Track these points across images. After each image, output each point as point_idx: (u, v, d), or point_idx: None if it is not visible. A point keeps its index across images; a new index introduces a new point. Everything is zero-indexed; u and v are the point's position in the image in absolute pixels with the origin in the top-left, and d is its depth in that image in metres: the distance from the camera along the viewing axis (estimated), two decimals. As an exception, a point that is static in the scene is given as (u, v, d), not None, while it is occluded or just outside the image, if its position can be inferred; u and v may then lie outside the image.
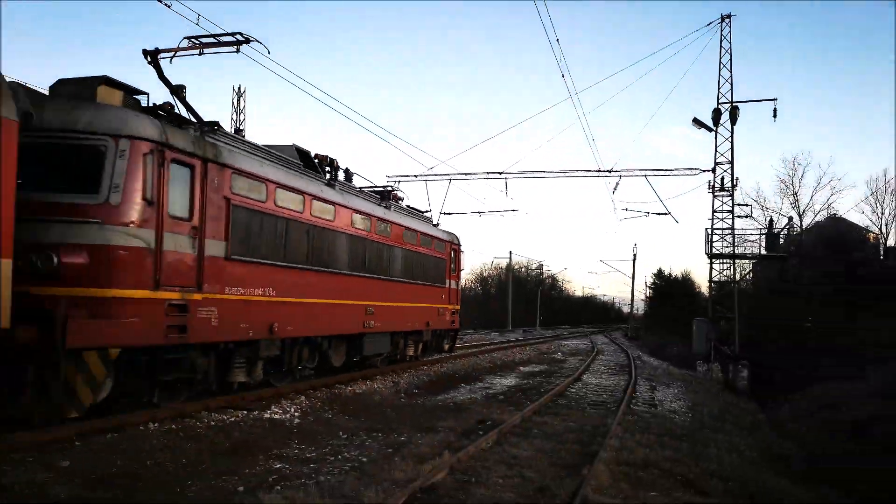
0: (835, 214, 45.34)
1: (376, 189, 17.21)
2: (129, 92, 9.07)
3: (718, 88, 29.47)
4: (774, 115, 29.01)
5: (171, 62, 10.02)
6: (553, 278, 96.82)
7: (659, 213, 30.37)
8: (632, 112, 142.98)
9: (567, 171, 30.17)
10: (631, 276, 66.17)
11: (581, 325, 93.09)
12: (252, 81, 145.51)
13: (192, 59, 11.99)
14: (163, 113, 9.22)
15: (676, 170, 28.36)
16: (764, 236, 31.18)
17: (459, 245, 21.28)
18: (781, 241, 33.95)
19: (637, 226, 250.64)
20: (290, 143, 13.24)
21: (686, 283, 71.23)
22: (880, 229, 45.19)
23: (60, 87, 8.78)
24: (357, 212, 14.20)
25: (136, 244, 8.23)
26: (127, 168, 8.14)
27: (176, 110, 9.53)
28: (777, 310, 35.60)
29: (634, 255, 65.58)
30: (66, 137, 8.05)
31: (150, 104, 9.32)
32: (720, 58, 29.48)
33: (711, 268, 30.82)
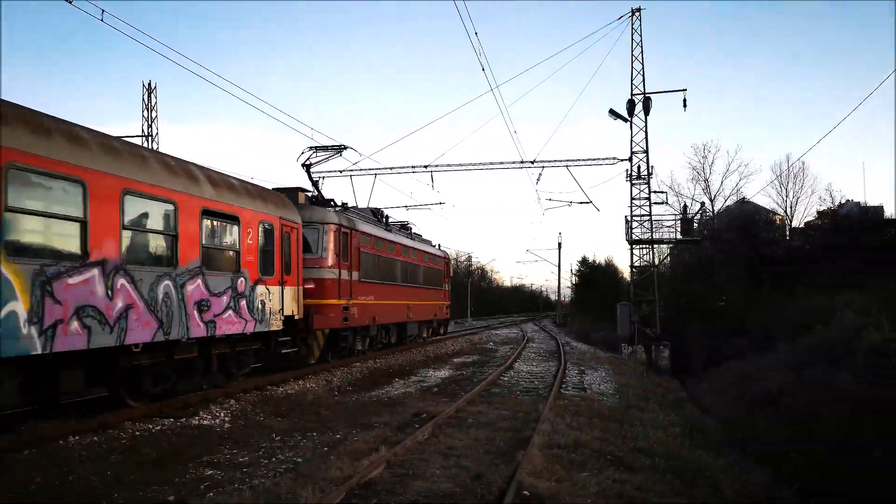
0: (743, 198, 47.85)
1: (398, 223, 24.91)
2: (306, 191, 17.34)
3: (632, 80, 30.49)
4: (685, 105, 30.31)
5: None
6: (482, 269, 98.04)
7: (581, 202, 31.31)
8: (552, 104, 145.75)
9: (491, 164, 30.58)
10: (557, 264, 67.80)
11: (511, 314, 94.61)
12: (160, 76, 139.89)
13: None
14: (334, 205, 18.03)
15: (596, 160, 29.26)
16: (679, 221, 32.52)
17: (448, 258, 30.92)
18: (695, 225, 35.51)
19: (561, 215, 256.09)
20: (367, 206, 22.43)
21: (609, 269, 73.52)
22: (785, 211, 48.00)
23: (280, 190, 15.62)
24: (400, 244, 22.60)
25: (332, 276, 16.47)
26: (328, 239, 16.35)
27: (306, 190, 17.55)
28: (693, 291, 37.29)
29: (559, 244, 67.35)
30: (307, 225, 15.58)
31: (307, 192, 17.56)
32: (632, 50, 30.48)
33: (632, 253, 31.95)
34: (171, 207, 10.05)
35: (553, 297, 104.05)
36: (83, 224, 8.22)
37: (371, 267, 19.01)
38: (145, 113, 38.98)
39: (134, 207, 9.24)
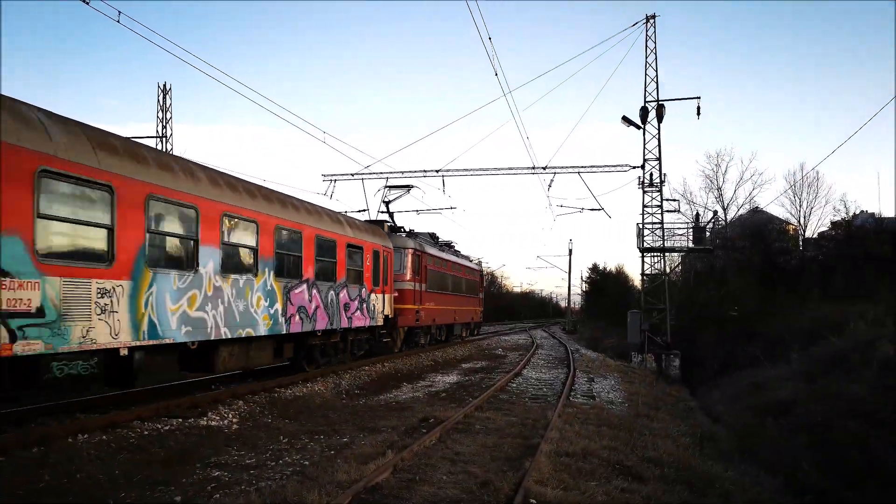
0: (756, 207, 47.49)
1: (445, 241, 29.48)
2: (386, 222, 22.83)
3: (645, 87, 30.38)
4: (698, 113, 30.08)
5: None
6: (492, 274, 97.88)
7: (592, 209, 31.20)
8: (564, 110, 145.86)
9: (503, 169, 30.56)
10: (567, 270, 67.61)
11: (520, 320, 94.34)
12: (179, 80, 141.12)
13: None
14: (405, 232, 23.04)
15: (608, 166, 29.17)
16: (691, 230, 32.32)
17: (483, 271, 39.34)
18: (707, 234, 35.27)
19: (572, 221, 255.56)
20: (427, 231, 26.55)
21: (620, 276, 73.25)
22: (799, 221, 47.58)
23: (371, 223, 20.93)
24: (451, 261, 28.19)
25: (409, 287, 21.66)
26: (407, 259, 21.55)
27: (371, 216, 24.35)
28: (705, 300, 37.05)
29: (570, 251, 67.20)
30: (396, 250, 20.41)
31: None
32: (646, 57, 30.38)
33: (643, 261, 31.77)
34: (334, 243, 15.71)
35: (563, 303, 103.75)
36: (301, 258, 14.01)
37: (433, 280, 24.67)
38: (160, 114, 39.27)
39: (321, 247, 14.98)
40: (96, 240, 8.44)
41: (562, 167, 29.29)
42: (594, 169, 29.07)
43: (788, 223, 47.22)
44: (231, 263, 11.39)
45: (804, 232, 46.71)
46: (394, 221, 24.03)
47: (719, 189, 48.44)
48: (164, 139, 39.11)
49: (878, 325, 18.78)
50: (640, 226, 30.83)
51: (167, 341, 9.64)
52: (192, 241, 10.37)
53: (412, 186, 24.27)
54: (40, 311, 7.43)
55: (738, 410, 17.36)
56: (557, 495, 6.47)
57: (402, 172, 30.14)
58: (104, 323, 8.39)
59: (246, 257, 11.95)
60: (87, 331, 8.10)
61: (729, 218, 47.63)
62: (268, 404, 11.53)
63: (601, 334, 47.71)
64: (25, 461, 7.07)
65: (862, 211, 40.79)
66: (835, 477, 11.36)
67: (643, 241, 30.84)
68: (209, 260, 10.69)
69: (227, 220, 11.22)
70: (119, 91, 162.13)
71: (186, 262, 10.30)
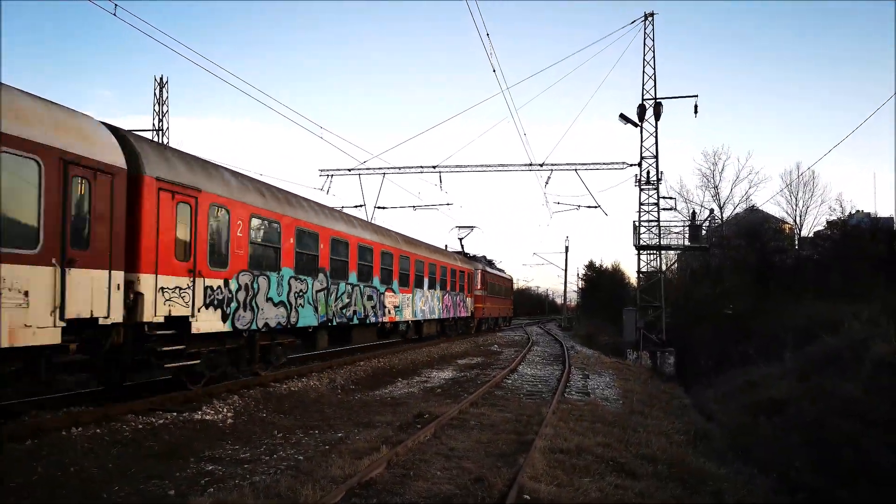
0: (753, 206, 47.57)
1: (489, 260, 41.22)
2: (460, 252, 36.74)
3: (643, 85, 30.39)
4: (696, 112, 30.16)
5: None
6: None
7: (589, 206, 31.24)
8: (562, 107, 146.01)
9: (500, 165, 30.60)
10: (564, 267, 67.71)
11: (517, 316, 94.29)
12: (175, 73, 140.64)
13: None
14: (471, 256, 36.67)
15: (605, 164, 29.21)
16: (687, 228, 32.40)
17: (512, 279, 51.89)
18: (703, 232, 35.37)
19: (569, 219, 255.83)
20: (481, 255, 38.62)
21: (616, 274, 73.38)
22: (795, 220, 47.67)
23: (459, 252, 35.43)
24: (496, 275, 40.22)
25: (480, 294, 34.59)
26: (478, 276, 33.92)
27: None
28: (700, 298, 37.14)
29: (567, 248, 67.25)
30: (475, 270, 34.02)
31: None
32: (644, 55, 30.39)
33: (639, 259, 31.85)
34: (455, 270, 28.37)
35: (559, 300, 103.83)
36: (445, 280, 27.02)
37: (489, 288, 36.56)
38: (156, 107, 39.13)
39: (453, 273, 27.80)
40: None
41: (559, 164, 29.38)
42: (591, 166, 29.13)
43: (784, 222, 47.33)
44: (428, 282, 24.34)
45: (800, 231, 46.85)
46: (464, 251, 36.05)
47: (716, 187, 48.51)
48: (160, 132, 38.99)
49: (873, 324, 18.83)
50: (637, 223, 30.88)
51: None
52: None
53: (475, 227, 37.09)
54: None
55: (731, 408, 17.42)
56: (551, 491, 6.48)
57: (399, 168, 30.16)
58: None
59: (430, 281, 24.50)
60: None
61: (725, 216, 47.71)
62: (263, 399, 11.53)
63: (597, 331, 47.79)
64: (18, 454, 7.05)
65: (857, 210, 40.95)
66: (828, 476, 11.41)
67: (639, 238, 30.88)
68: (425, 282, 24.23)
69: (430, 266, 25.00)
70: (116, 84, 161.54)
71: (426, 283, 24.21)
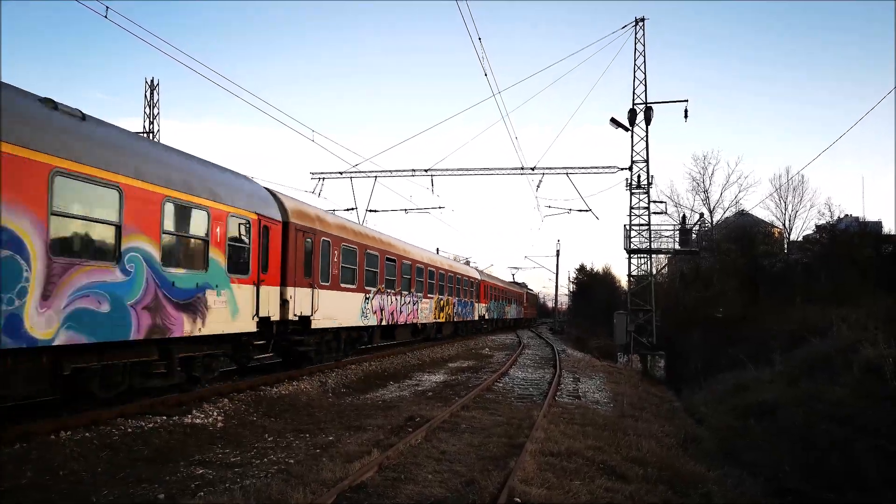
0: (742, 211, 47.85)
1: (522, 283, 71.31)
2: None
3: (633, 89, 30.54)
4: (686, 116, 30.28)
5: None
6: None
7: (580, 210, 31.32)
8: (553, 111, 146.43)
9: (491, 169, 30.64)
10: (555, 271, 67.86)
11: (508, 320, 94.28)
12: (168, 77, 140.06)
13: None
14: (522, 283, 70.69)
15: (596, 168, 29.31)
16: (678, 232, 32.54)
17: (535, 293, 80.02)
18: (693, 236, 35.52)
19: (560, 222, 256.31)
20: (522, 283, 71.35)
21: (607, 277, 73.59)
22: (784, 224, 48.00)
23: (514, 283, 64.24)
24: (528, 293, 68.57)
25: (523, 306, 61.30)
26: (524, 296, 62.14)
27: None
28: (690, 302, 37.29)
29: (558, 252, 67.54)
30: (526, 294, 67.79)
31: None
32: (635, 60, 30.54)
33: (630, 262, 31.95)
34: (502, 291, 49.09)
35: (550, 303, 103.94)
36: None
37: (527, 301, 61.92)
38: (147, 109, 38.97)
39: (501, 290, 47.99)
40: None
41: (550, 168, 29.45)
42: (582, 170, 29.21)
43: (774, 226, 47.64)
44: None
45: (789, 235, 47.17)
46: (514, 278, 61.88)
47: (706, 192, 48.82)
48: (150, 135, 38.82)
49: (860, 328, 18.97)
50: (628, 227, 30.99)
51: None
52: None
53: (519, 268, 57.41)
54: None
55: (721, 411, 17.48)
56: (542, 494, 6.51)
57: (391, 172, 30.15)
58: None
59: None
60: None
61: (715, 220, 47.99)
62: (253, 402, 11.49)
63: (588, 334, 47.92)
64: (7, 457, 7.00)
65: (846, 214, 41.22)
66: (816, 479, 11.48)
67: (630, 242, 31.00)
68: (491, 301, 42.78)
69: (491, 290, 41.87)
70: (107, 86, 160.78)
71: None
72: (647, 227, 30.87)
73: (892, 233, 38.10)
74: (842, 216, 40.24)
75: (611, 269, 78.90)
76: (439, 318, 28.50)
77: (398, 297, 21.98)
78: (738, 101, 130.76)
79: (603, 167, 29.27)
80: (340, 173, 29.90)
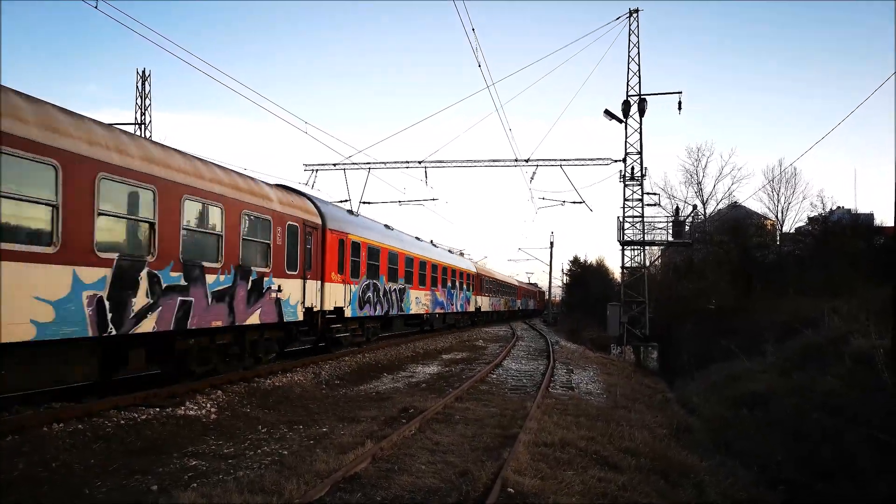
0: (735, 202, 48.00)
1: (533, 283, 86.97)
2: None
3: (627, 81, 30.50)
4: (679, 108, 30.24)
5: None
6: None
7: (574, 202, 31.48)
8: (547, 103, 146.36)
9: (485, 161, 30.55)
10: (549, 263, 67.92)
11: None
12: (162, 69, 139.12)
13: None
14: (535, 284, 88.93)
15: (590, 160, 29.28)
16: (671, 224, 32.61)
17: (543, 290, 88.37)
18: (687, 228, 35.61)
19: (554, 214, 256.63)
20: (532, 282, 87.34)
21: (601, 269, 73.73)
22: (776, 216, 48.20)
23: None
24: (540, 290, 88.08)
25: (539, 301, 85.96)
26: (537, 293, 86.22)
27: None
28: (684, 293, 37.41)
29: (552, 243, 67.21)
30: (539, 291, 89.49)
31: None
32: (629, 51, 30.48)
33: (623, 254, 32.02)
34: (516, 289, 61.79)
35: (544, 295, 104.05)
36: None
37: (538, 298, 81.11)
38: (139, 101, 38.69)
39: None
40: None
41: (544, 160, 29.38)
42: (576, 162, 29.20)
43: (767, 218, 47.81)
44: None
45: (782, 227, 47.37)
46: (528, 279, 77.51)
47: (699, 184, 48.97)
48: (142, 126, 38.57)
49: (852, 319, 19.07)
50: (621, 219, 31.04)
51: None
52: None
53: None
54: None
55: (713, 402, 17.57)
56: (535, 484, 6.52)
57: (385, 163, 30.06)
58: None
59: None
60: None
61: (708, 212, 48.13)
62: (247, 394, 11.48)
63: (581, 326, 48.03)
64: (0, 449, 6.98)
65: (838, 206, 41.42)
66: (807, 469, 11.56)
67: (623, 234, 31.05)
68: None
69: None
70: (98, 77, 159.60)
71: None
72: (640, 219, 30.92)
73: (884, 224, 38.31)
74: (834, 208, 40.47)
75: (604, 260, 78.98)
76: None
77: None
78: (731, 93, 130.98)
79: (597, 159, 29.26)
80: (334, 165, 29.81)
